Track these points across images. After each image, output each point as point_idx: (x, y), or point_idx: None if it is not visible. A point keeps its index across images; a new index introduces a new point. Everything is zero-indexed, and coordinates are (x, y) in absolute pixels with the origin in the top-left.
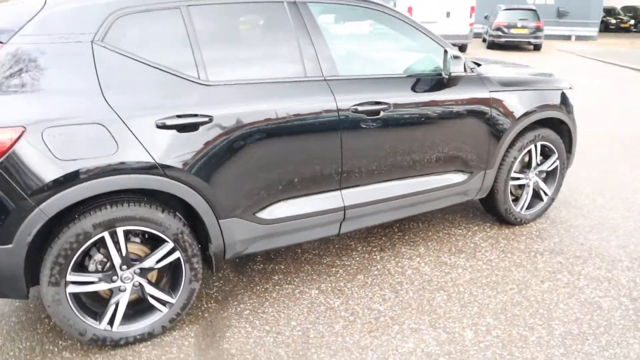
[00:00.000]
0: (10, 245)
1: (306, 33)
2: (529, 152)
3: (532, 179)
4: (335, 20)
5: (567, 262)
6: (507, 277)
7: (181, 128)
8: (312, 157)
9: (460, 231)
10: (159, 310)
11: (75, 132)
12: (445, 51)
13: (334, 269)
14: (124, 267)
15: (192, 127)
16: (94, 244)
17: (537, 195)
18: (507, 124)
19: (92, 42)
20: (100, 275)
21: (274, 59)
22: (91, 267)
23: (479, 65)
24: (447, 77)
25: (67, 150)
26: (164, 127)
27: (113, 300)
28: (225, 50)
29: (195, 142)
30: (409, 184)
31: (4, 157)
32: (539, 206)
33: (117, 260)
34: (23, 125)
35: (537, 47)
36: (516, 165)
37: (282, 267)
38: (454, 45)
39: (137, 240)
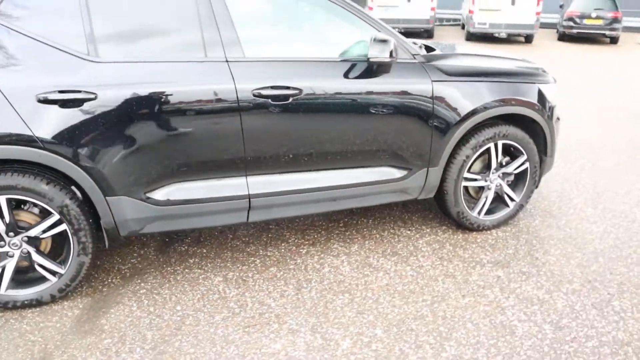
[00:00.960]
0: None
1: (210, 11)
2: (488, 151)
3: (493, 181)
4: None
5: (507, 277)
6: (428, 287)
7: (63, 103)
8: (209, 142)
9: (408, 232)
10: (48, 279)
11: None
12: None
13: (252, 258)
14: (11, 233)
15: (76, 103)
16: None
17: (502, 201)
18: (454, 118)
19: None
20: None
21: (173, 38)
22: None
23: (432, 50)
24: (371, 63)
25: None
26: (45, 101)
27: (0, 264)
28: (119, 27)
29: (78, 118)
30: (327, 177)
31: None
32: (503, 212)
33: (1, 226)
34: None
35: (613, 40)
36: (470, 165)
37: (204, 251)
38: (519, 35)
39: (36, 210)
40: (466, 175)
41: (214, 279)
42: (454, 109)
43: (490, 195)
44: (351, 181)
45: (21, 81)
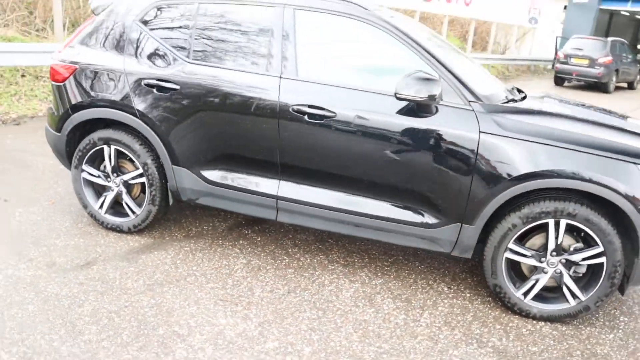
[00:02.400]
0: (68, 134)
1: (280, 36)
2: (546, 228)
3: (551, 265)
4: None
5: None
6: (399, 339)
7: (158, 89)
8: (252, 142)
9: (444, 288)
10: (129, 215)
11: (97, 75)
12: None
13: (285, 257)
14: (114, 174)
15: (165, 90)
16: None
17: (561, 292)
18: (500, 178)
19: (134, 21)
20: (100, 174)
21: (247, 54)
22: (101, 167)
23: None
24: (410, 101)
25: (90, 85)
26: (148, 85)
27: (105, 193)
28: (212, 41)
29: (164, 101)
30: (352, 201)
31: (66, 81)
32: (560, 306)
33: (109, 167)
34: (77, 64)
35: None
36: (522, 236)
37: (258, 239)
38: None
39: (137, 164)
40: (512, 246)
41: (239, 259)
42: (502, 168)
43: (543, 279)
44: (375, 212)
45: (139, 68)
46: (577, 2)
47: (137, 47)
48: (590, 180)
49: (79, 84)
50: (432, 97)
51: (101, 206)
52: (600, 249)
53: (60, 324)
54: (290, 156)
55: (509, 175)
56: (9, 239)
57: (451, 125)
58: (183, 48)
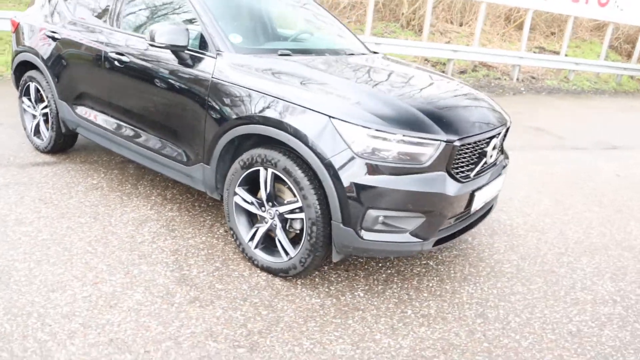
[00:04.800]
0: (14, 72)
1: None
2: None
3: (270, 215)
4: None
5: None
6: (116, 250)
7: (52, 38)
8: (95, 83)
9: (222, 233)
10: (43, 138)
11: (27, 29)
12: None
13: (128, 185)
14: (37, 105)
15: (54, 39)
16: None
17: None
18: (218, 123)
19: None
20: (31, 104)
21: (103, 13)
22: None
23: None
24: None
25: (23, 36)
26: (48, 36)
27: (33, 120)
28: (86, 2)
29: (53, 47)
30: (142, 134)
31: (15, 32)
32: (275, 260)
33: (32, 99)
34: (19, 21)
35: None
36: (241, 182)
37: (131, 172)
38: None
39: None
40: (238, 191)
41: (92, 180)
42: (222, 113)
43: (262, 229)
44: (152, 145)
45: (47, 25)
46: None
47: (53, 10)
48: (281, 128)
49: (19, 35)
50: (178, 46)
51: (31, 129)
52: (299, 203)
53: None
54: (113, 96)
55: (225, 119)
56: None
57: (199, 71)
58: (73, 9)
